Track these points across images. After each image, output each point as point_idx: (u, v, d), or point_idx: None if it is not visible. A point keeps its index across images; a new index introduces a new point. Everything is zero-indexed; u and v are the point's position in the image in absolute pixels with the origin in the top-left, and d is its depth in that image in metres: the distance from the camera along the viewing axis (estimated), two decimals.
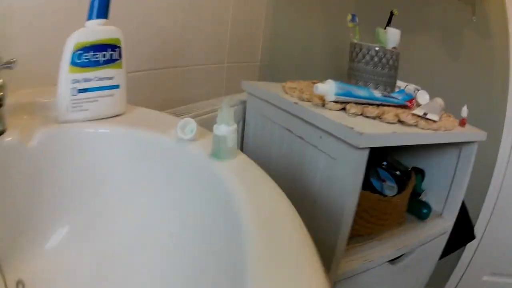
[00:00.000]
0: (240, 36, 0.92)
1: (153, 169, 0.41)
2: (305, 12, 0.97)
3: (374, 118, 0.59)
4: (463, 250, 1.04)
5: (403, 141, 0.58)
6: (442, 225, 0.78)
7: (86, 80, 0.40)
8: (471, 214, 0.88)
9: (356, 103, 0.61)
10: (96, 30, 0.41)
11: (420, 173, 0.81)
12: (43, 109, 0.43)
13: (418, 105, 0.70)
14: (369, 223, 0.69)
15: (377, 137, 0.54)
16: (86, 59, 0.40)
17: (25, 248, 0.39)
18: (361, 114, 0.60)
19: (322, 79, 0.64)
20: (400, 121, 0.61)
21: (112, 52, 0.42)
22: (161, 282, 0.36)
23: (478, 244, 1.04)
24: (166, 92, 0.74)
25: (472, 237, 0.91)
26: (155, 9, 0.67)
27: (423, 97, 0.73)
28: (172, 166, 0.40)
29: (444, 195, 0.80)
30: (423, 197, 0.82)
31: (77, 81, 0.40)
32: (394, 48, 0.68)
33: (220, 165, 0.35)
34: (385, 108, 0.62)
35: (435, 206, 0.80)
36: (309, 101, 0.62)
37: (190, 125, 0.39)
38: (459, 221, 0.82)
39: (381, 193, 0.68)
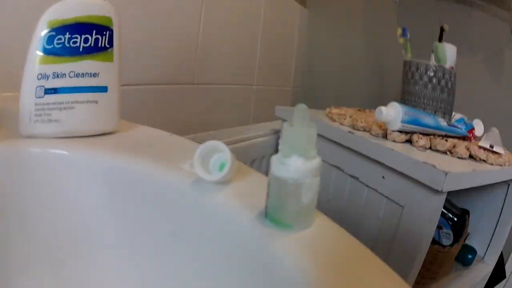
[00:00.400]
0: (271, 57, 0.78)
1: (150, 235, 0.24)
2: (343, 30, 0.84)
3: (445, 152, 0.46)
4: None
5: (484, 180, 0.45)
6: (484, 270, 0.64)
7: (57, 75, 0.25)
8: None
9: (423, 134, 0.47)
10: (78, 3, 0.26)
11: (467, 214, 0.69)
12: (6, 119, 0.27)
13: (474, 136, 0.58)
14: (423, 278, 0.55)
15: (462, 177, 0.40)
16: (59, 44, 0.25)
17: None
18: (430, 148, 0.46)
19: (367, 106, 0.51)
20: (471, 156, 0.48)
21: (98, 36, 0.26)
22: None
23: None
24: (181, 114, 0.57)
25: (503, 276, 0.79)
26: (175, 11, 0.52)
27: (479, 127, 0.60)
28: (184, 231, 0.23)
29: (488, 237, 0.68)
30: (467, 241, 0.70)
31: (45, 77, 0.24)
32: (451, 67, 0.56)
33: (287, 242, 0.18)
34: (454, 140, 0.49)
35: (478, 250, 0.68)
36: (365, 130, 0.48)
37: (219, 155, 0.22)
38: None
39: (439, 243, 0.54)
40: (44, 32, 0.25)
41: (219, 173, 0.21)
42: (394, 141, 0.45)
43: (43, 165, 0.24)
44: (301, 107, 0.17)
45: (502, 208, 0.66)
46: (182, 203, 0.22)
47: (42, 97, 0.24)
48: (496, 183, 0.62)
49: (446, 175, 0.37)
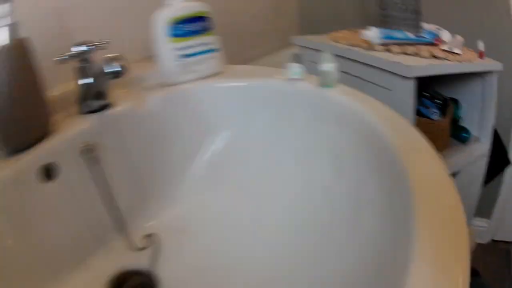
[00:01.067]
0: None
1: (275, 110, 0.47)
2: None
3: (413, 55, 0.67)
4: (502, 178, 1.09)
5: (439, 70, 0.67)
6: (481, 148, 0.85)
7: (190, 46, 0.47)
8: (505, 142, 0.95)
9: (396, 44, 0.68)
10: (182, 6, 0.48)
11: (455, 102, 0.89)
12: (140, 81, 0.49)
13: (442, 42, 0.78)
14: None
15: (419, 68, 0.62)
16: (182, 31, 0.47)
17: (152, 206, 0.45)
18: (403, 53, 0.67)
19: (357, 27, 0.72)
20: (434, 56, 0.69)
21: (204, 23, 0.49)
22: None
23: None
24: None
25: (507, 162, 0.98)
26: None
27: (445, 35, 0.80)
28: (293, 103, 0.46)
29: (477, 121, 0.88)
30: (461, 124, 0.90)
31: (179, 49, 0.47)
32: None
33: (335, 91, 0.43)
34: (420, 46, 0.70)
35: (472, 131, 0.88)
36: (357, 46, 0.70)
37: (295, 67, 0.46)
38: (495, 149, 0.89)
39: (428, 117, 0.76)
40: (165, 26, 0.47)
41: (297, 75, 0.45)
42: (378, 51, 0.67)
43: (208, 93, 0.47)
44: (325, 48, 0.42)
45: (482, 98, 0.85)
46: (286, 90, 0.46)
47: (182, 59, 0.47)
48: (473, 75, 0.82)
49: (408, 67, 0.59)
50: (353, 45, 0.71)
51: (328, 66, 0.44)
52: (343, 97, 0.42)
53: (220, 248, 0.40)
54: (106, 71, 0.38)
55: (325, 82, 0.45)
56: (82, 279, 0.37)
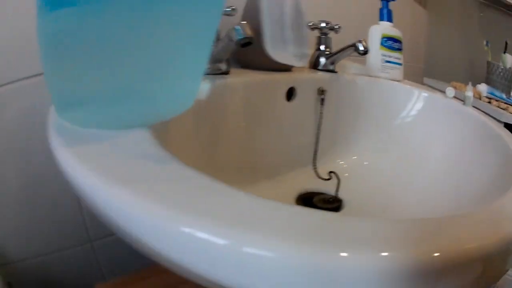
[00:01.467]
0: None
1: (442, 117, 0.65)
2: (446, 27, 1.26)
3: (504, 109, 0.92)
4: None
5: None
6: None
7: (390, 56, 0.70)
8: None
9: (495, 100, 0.93)
10: (388, 28, 0.71)
11: None
12: (350, 67, 0.72)
13: None
14: None
15: (506, 117, 0.86)
16: (389, 44, 0.70)
17: (334, 155, 0.64)
18: (497, 106, 0.91)
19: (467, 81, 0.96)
20: None
21: (399, 44, 0.71)
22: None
23: None
24: None
25: None
26: None
27: None
28: (452, 113, 0.65)
29: None
30: None
31: (384, 55, 0.69)
32: (510, 67, 1.01)
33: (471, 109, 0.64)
34: (508, 105, 0.94)
35: None
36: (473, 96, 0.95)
37: (449, 90, 0.68)
38: None
39: None
40: (380, 37, 0.69)
41: (451, 96, 0.67)
42: (483, 101, 0.91)
43: (395, 90, 0.69)
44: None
45: None
46: (450, 104, 0.68)
47: (384, 63, 0.69)
48: None
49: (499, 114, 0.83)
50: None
51: (469, 94, 0.65)
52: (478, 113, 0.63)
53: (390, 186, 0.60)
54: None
55: (467, 104, 0.67)
56: (275, 190, 0.51)
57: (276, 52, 0.53)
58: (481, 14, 1.15)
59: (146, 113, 0.29)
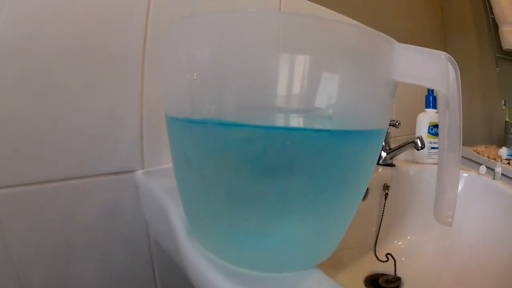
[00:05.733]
0: None
1: (476, 193, 0.74)
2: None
3: None
4: None
5: None
6: None
7: (435, 142, 0.79)
8: None
9: None
10: (434, 115, 0.79)
11: None
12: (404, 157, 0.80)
13: None
14: None
15: None
16: (434, 131, 0.79)
17: (392, 239, 0.73)
18: None
19: (485, 143, 1.06)
20: None
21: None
22: None
23: None
24: None
25: None
26: None
27: None
28: (484, 189, 0.73)
29: None
30: None
31: (430, 143, 0.78)
32: None
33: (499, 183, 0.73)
34: None
35: None
36: (494, 159, 1.05)
37: (482, 167, 0.78)
38: None
39: None
40: (427, 125, 0.78)
41: (483, 173, 0.77)
42: (504, 163, 1.01)
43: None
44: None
45: None
46: (486, 182, 0.78)
47: (430, 150, 0.78)
48: None
49: None
50: (490, 158, 1.06)
51: (498, 170, 0.75)
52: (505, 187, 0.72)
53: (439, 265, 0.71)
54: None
55: (496, 178, 0.76)
56: (349, 276, 0.58)
57: None
58: (497, 70, 1.24)
59: (298, 257, 0.30)
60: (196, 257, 0.31)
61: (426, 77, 0.27)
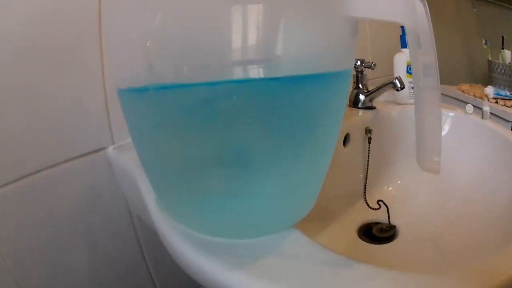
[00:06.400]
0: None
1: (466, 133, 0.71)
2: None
3: (509, 106, 1.00)
4: None
5: None
6: None
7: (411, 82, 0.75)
8: None
9: (501, 99, 1.01)
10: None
11: None
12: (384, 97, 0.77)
13: None
14: None
15: None
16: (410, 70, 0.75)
17: (382, 185, 0.70)
18: (504, 105, 1.00)
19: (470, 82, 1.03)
20: None
21: None
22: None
23: None
24: None
25: None
26: None
27: None
28: (474, 128, 0.70)
29: None
30: None
31: (410, 82, 0.75)
32: (509, 63, 1.08)
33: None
34: None
35: None
36: (480, 98, 1.02)
37: (469, 106, 0.75)
38: None
39: None
40: (405, 66, 0.74)
41: (471, 112, 0.73)
42: (491, 102, 0.99)
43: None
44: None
45: None
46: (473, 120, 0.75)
47: (411, 90, 0.75)
48: None
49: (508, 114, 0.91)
50: (476, 96, 1.02)
51: (486, 108, 0.72)
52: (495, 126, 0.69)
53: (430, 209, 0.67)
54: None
55: (485, 117, 0.73)
56: (340, 227, 0.56)
57: None
58: (474, 10, 1.21)
59: (273, 217, 0.29)
60: (167, 229, 0.30)
61: (388, 10, 0.24)
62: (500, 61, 1.06)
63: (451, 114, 0.74)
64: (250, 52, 0.22)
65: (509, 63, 1.08)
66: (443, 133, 0.74)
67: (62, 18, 0.41)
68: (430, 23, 0.25)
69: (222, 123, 0.23)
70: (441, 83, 0.94)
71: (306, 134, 0.26)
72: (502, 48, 1.09)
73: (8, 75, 0.37)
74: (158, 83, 0.23)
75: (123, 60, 0.27)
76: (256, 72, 0.22)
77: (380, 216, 0.64)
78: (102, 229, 0.48)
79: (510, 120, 0.93)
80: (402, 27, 0.77)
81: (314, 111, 0.25)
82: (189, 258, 0.27)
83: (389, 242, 0.57)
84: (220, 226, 0.28)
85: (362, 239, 0.58)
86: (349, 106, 0.70)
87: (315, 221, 0.57)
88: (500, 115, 0.94)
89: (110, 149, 0.47)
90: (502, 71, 1.05)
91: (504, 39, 1.11)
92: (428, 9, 0.25)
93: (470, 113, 0.72)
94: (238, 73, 0.22)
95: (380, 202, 0.67)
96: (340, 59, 0.26)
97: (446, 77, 1.25)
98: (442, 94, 1.09)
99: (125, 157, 0.44)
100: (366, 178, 0.66)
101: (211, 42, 0.22)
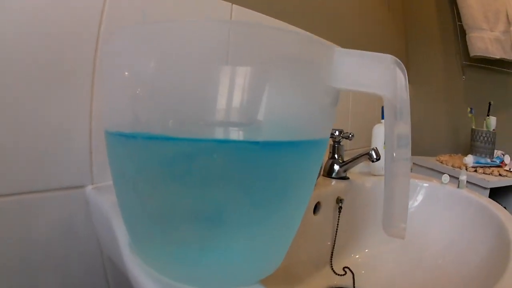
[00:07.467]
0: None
1: (440, 203, 0.75)
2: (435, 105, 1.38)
3: (489, 174, 1.03)
4: None
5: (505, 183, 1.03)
6: None
7: None
8: None
9: (480, 167, 1.04)
10: None
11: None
12: (359, 169, 0.81)
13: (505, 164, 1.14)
14: None
15: (492, 182, 0.97)
16: None
17: (349, 253, 0.72)
18: (483, 173, 1.03)
19: (450, 152, 1.07)
20: (500, 174, 1.05)
21: None
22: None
23: None
24: None
25: None
26: None
27: (507, 159, 1.17)
28: (448, 198, 0.73)
29: None
30: None
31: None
32: (493, 130, 1.12)
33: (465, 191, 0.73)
34: (492, 168, 1.06)
35: None
36: (458, 168, 1.05)
37: (445, 176, 0.78)
38: None
39: None
40: (382, 137, 0.79)
41: (446, 182, 0.78)
42: (470, 171, 1.02)
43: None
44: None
45: None
46: (447, 191, 0.79)
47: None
48: None
49: (488, 182, 0.94)
50: (454, 167, 1.07)
51: (463, 178, 0.76)
52: (471, 194, 0.71)
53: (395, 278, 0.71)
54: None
55: (461, 186, 0.76)
56: None
57: None
58: (463, 77, 1.25)
59: (237, 272, 0.29)
60: (138, 272, 0.30)
61: (369, 83, 0.25)
62: (484, 128, 1.10)
63: (425, 184, 0.78)
64: (233, 114, 0.23)
65: (493, 129, 1.12)
66: (416, 204, 0.78)
67: (60, 41, 0.43)
68: (408, 94, 0.25)
69: (201, 178, 0.24)
70: (421, 155, 1.01)
71: (280, 197, 0.27)
72: (488, 115, 1.13)
73: None
74: (146, 133, 0.24)
75: (114, 104, 0.28)
76: (236, 135, 0.23)
77: (346, 281, 0.67)
78: (74, 260, 0.48)
79: (488, 187, 0.96)
80: None
81: (288, 176, 0.26)
82: None
83: None
84: (190, 276, 0.29)
85: None
86: (323, 175, 0.74)
87: (280, 283, 0.61)
88: (478, 183, 0.98)
89: (89, 188, 0.48)
90: (485, 138, 1.09)
91: (490, 105, 1.15)
92: (407, 80, 0.25)
93: (445, 183, 0.76)
94: (219, 133, 0.23)
95: (346, 269, 0.71)
96: (318, 127, 0.27)
97: (428, 148, 1.29)
98: (420, 165, 1.13)
99: (102, 198, 0.45)
100: (334, 246, 0.70)
101: (197, 100, 0.23)
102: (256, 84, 0.23)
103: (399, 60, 0.25)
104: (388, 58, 0.25)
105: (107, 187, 0.50)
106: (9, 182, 0.41)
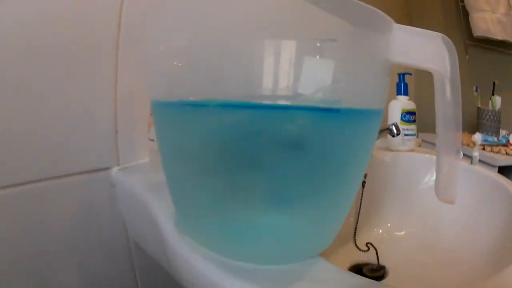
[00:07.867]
0: None
1: None
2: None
3: (496, 152, 1.04)
4: None
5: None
6: None
7: (408, 129, 0.79)
8: None
9: (488, 145, 1.05)
10: (406, 102, 0.80)
11: None
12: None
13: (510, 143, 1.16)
14: None
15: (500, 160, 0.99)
16: (407, 118, 0.79)
17: (372, 227, 0.73)
18: (491, 151, 1.04)
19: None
20: (507, 153, 1.06)
21: (414, 116, 0.81)
22: None
23: None
24: None
25: None
26: None
27: None
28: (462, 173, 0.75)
29: None
30: None
31: (403, 129, 0.79)
32: (498, 109, 1.13)
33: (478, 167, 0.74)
34: (499, 146, 1.07)
35: None
36: (467, 145, 1.06)
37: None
38: None
39: None
40: (401, 112, 0.78)
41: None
42: (479, 148, 1.03)
43: (416, 160, 0.79)
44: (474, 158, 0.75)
45: None
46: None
47: (404, 137, 0.79)
48: None
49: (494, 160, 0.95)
50: (464, 144, 1.07)
51: (476, 154, 0.76)
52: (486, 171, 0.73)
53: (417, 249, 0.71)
54: None
55: (474, 163, 0.77)
56: None
57: None
58: (467, 56, 1.26)
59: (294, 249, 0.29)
60: (190, 253, 0.29)
61: (423, 58, 0.26)
62: (490, 107, 1.11)
63: None
64: (305, 85, 0.22)
65: (498, 109, 1.13)
66: (434, 178, 0.78)
67: (81, 20, 0.40)
68: (458, 69, 0.27)
69: (275, 151, 0.23)
70: (428, 132, 1.00)
71: (347, 169, 0.27)
72: (493, 94, 1.14)
73: (16, 70, 0.35)
74: (219, 100, 0.23)
75: (173, 74, 0.26)
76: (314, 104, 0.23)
77: (369, 257, 0.66)
78: (95, 249, 0.46)
79: (497, 165, 0.97)
80: (400, 74, 0.81)
81: (355, 146, 0.27)
82: (214, 280, 0.27)
83: (380, 281, 0.60)
84: (249, 253, 0.28)
85: None
86: None
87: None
88: (487, 161, 0.98)
89: (114, 169, 0.46)
90: (491, 117, 1.10)
91: (495, 85, 1.16)
92: (456, 57, 0.27)
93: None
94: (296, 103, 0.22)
95: (368, 244, 0.70)
96: (381, 98, 0.28)
97: (434, 126, 1.29)
98: (429, 142, 1.14)
99: (132, 180, 0.43)
100: (357, 221, 0.69)
101: (272, 70, 0.22)
102: (327, 54, 0.23)
103: (447, 38, 0.26)
104: (440, 36, 0.26)
105: (134, 168, 0.48)
106: (27, 170, 0.38)
